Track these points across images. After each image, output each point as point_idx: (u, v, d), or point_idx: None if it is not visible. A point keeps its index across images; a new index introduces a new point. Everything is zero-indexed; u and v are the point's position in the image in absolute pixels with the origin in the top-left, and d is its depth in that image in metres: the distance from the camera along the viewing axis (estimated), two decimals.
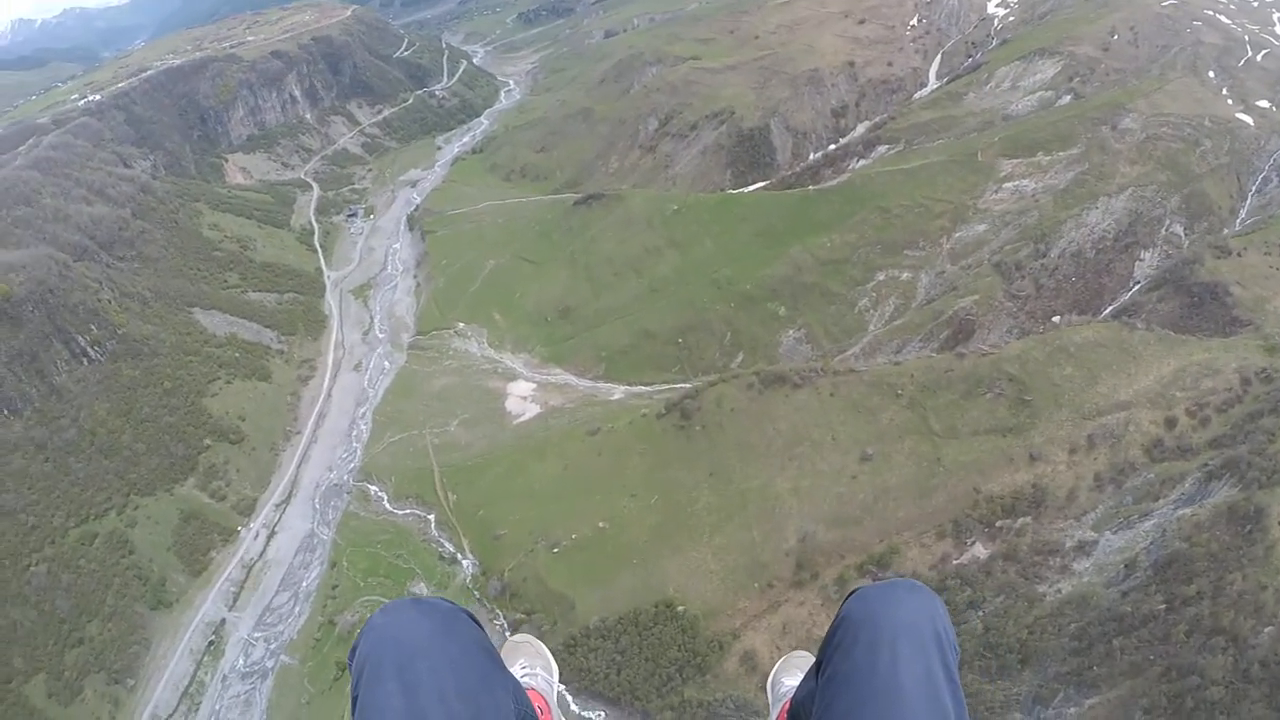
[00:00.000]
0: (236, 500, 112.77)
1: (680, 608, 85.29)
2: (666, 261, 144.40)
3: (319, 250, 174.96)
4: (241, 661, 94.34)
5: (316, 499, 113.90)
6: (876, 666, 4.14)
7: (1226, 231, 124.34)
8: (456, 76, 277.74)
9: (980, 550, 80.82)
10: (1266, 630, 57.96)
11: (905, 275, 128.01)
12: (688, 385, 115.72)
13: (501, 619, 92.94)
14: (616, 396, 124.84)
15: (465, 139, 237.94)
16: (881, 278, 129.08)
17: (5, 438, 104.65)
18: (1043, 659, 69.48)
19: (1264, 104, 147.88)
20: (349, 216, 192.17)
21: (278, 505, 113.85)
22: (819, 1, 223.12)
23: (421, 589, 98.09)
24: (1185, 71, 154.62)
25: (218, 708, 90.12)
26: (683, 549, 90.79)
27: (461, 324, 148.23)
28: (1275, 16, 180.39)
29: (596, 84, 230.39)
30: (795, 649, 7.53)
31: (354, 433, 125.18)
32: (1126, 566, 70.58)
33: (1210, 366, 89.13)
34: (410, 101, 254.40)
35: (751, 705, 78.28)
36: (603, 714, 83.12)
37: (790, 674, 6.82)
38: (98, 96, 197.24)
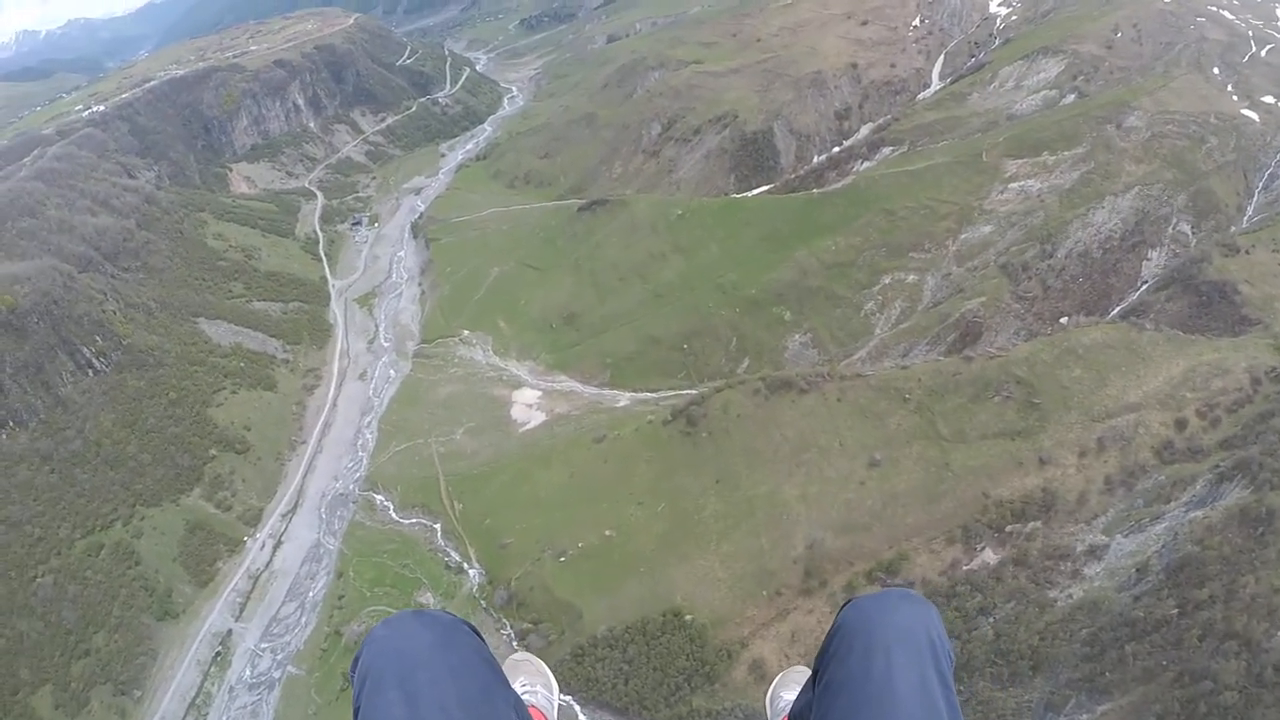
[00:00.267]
0: (242, 510, 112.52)
1: (688, 616, 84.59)
2: (671, 267, 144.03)
3: (324, 259, 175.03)
4: (248, 672, 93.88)
5: (322, 509, 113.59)
6: (871, 674, 4.22)
7: (1234, 229, 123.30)
8: (459, 83, 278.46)
9: (990, 556, 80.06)
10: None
11: (911, 278, 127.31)
12: (694, 391, 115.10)
13: (508, 628, 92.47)
14: (622, 403, 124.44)
15: (469, 146, 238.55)
16: (887, 281, 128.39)
17: (11, 450, 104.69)
18: (1055, 665, 68.67)
19: (1269, 100, 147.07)
20: (353, 225, 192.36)
21: (284, 515, 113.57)
22: (821, 3, 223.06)
23: (428, 598, 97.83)
24: (1189, 68, 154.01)
25: (225, 719, 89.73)
26: (690, 557, 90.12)
27: (466, 331, 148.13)
28: (1279, 11, 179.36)
29: (599, 89, 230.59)
30: (797, 665, 7.56)
31: (359, 442, 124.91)
32: (1138, 570, 69.78)
33: (1220, 366, 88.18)
34: (413, 109, 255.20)
35: (760, 715, 76.73)
36: None
37: (788, 689, 6.88)
38: (102, 107, 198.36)
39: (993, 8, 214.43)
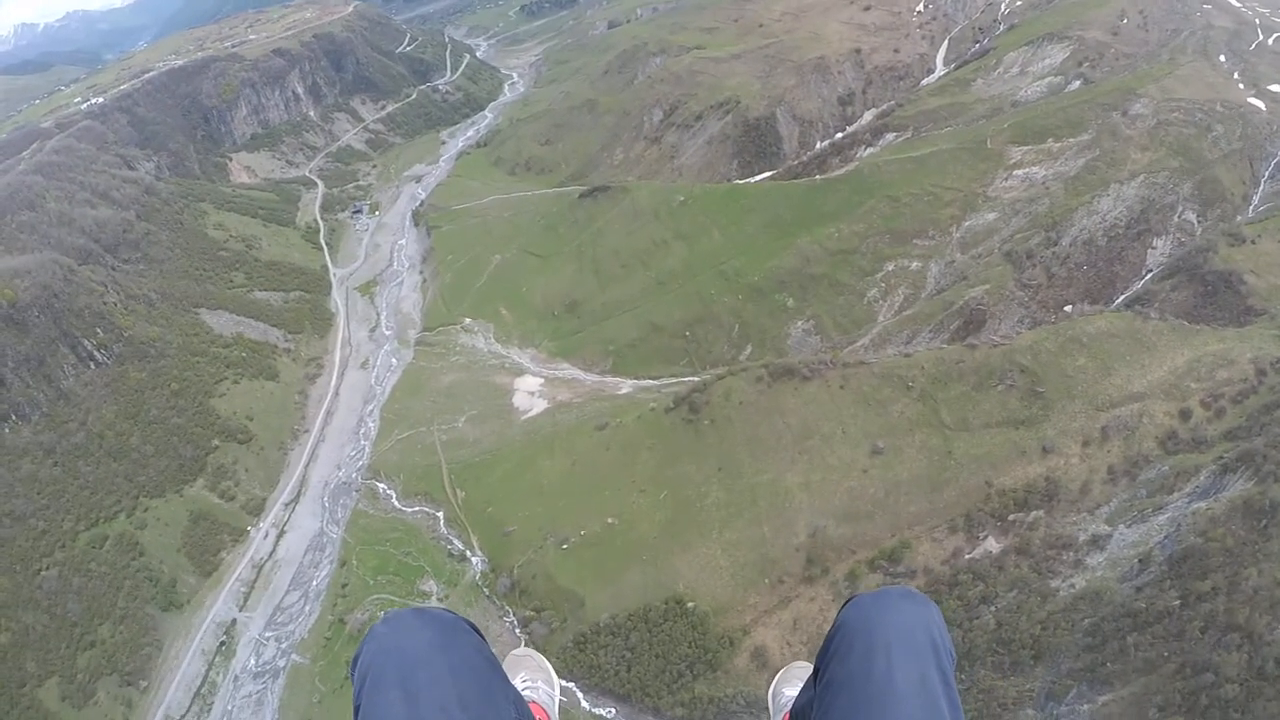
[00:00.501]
0: (246, 500, 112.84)
1: (690, 604, 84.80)
2: (673, 254, 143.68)
3: (324, 248, 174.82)
4: (253, 661, 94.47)
5: (325, 497, 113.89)
6: (872, 672, 4.24)
7: (1240, 219, 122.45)
8: (460, 70, 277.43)
9: (993, 544, 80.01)
10: None
11: (915, 265, 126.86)
12: (696, 379, 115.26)
13: (511, 616, 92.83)
14: (624, 391, 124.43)
15: (469, 133, 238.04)
16: (891, 268, 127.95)
17: (14, 443, 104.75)
18: (1056, 655, 68.71)
19: (1276, 88, 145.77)
20: (354, 213, 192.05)
21: (287, 504, 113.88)
22: None
23: (431, 587, 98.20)
24: (1196, 56, 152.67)
25: (230, 708, 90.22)
26: (692, 545, 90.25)
27: (468, 319, 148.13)
28: None
29: (600, 75, 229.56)
30: (799, 661, 7.55)
31: (362, 430, 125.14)
32: (1140, 561, 69.65)
33: (1225, 357, 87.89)
34: (414, 97, 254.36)
35: (762, 702, 76.41)
36: (613, 711, 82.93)
37: (790, 684, 6.91)
38: (101, 99, 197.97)
39: None
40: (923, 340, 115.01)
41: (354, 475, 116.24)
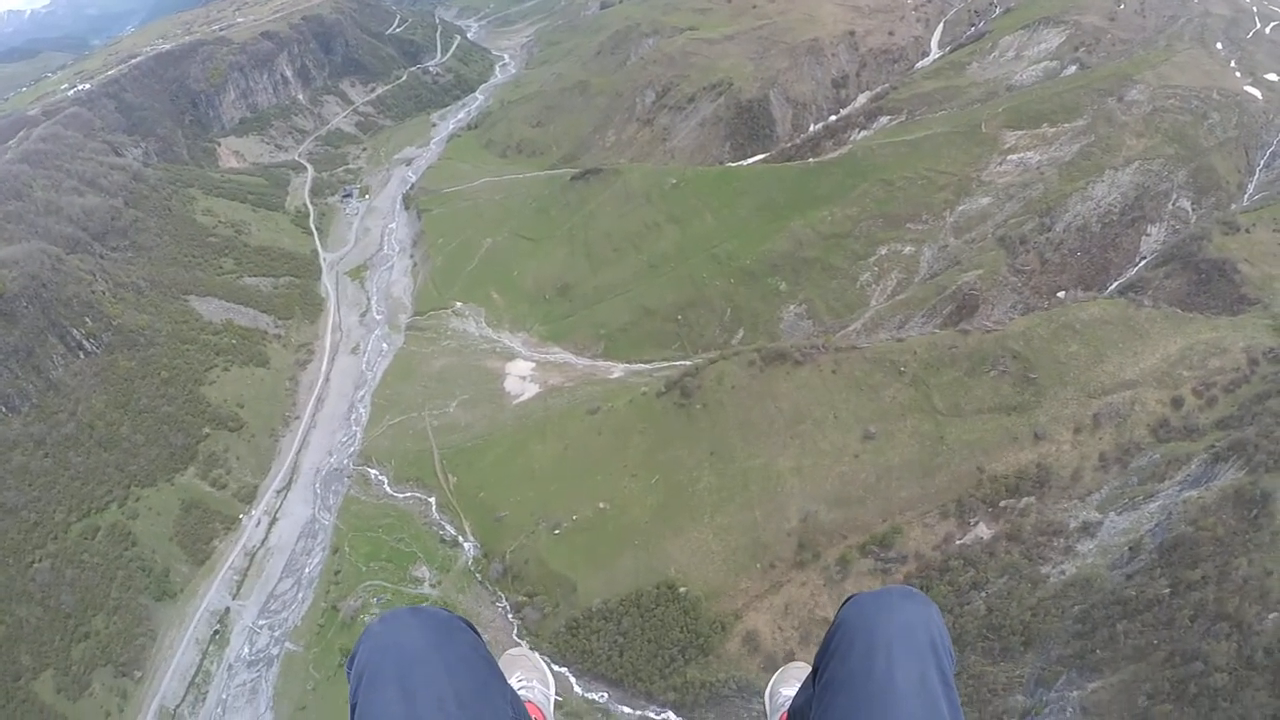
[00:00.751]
0: (237, 488, 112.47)
1: (682, 589, 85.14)
2: (666, 237, 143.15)
3: (314, 232, 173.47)
4: (247, 650, 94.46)
5: (317, 484, 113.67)
6: (872, 672, 4.24)
7: (1234, 207, 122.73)
8: (450, 52, 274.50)
9: (984, 530, 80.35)
10: (1271, 616, 57.32)
11: (908, 249, 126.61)
12: (688, 363, 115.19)
13: (504, 601, 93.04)
14: (616, 375, 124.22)
15: (460, 115, 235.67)
16: (884, 252, 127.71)
17: (4, 435, 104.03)
18: (1046, 641, 69.13)
19: (1273, 77, 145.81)
20: (344, 197, 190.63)
21: (279, 491, 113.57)
22: None
23: (423, 573, 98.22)
24: (1193, 43, 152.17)
25: (224, 696, 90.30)
26: (684, 529, 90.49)
27: (459, 303, 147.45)
28: None
29: (593, 56, 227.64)
30: (797, 660, 7.54)
31: (353, 416, 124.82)
32: (1131, 549, 70.00)
33: (1217, 345, 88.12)
34: (404, 79, 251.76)
35: (754, 686, 78.33)
36: (606, 695, 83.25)
37: (788, 684, 6.87)
38: (88, 85, 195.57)
39: None
40: (915, 325, 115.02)
41: (345, 461, 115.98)
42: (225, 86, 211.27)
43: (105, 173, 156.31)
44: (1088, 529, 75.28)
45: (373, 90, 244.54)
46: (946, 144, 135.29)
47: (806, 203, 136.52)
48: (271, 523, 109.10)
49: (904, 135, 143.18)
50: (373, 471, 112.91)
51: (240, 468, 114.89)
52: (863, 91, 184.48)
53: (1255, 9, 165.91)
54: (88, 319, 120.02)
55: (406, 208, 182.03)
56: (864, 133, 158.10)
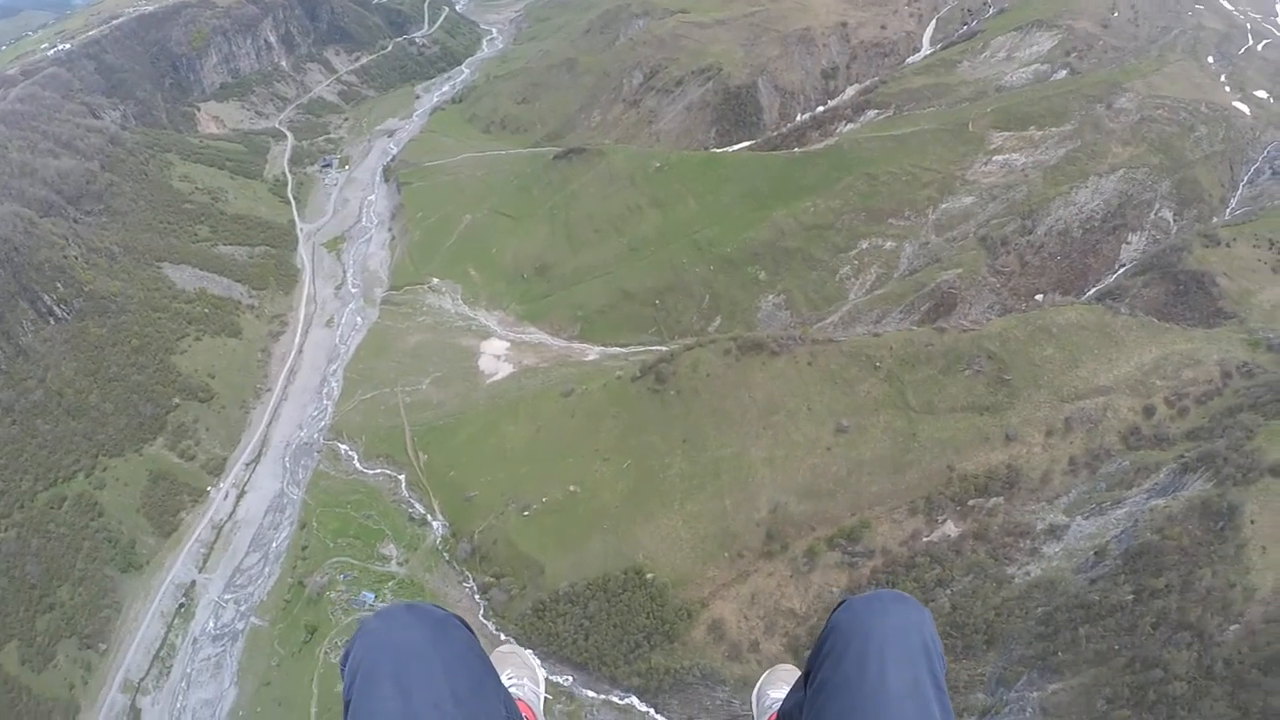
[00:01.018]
0: (206, 460, 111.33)
1: (649, 575, 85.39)
2: (647, 220, 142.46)
3: (292, 202, 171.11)
4: (212, 624, 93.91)
5: (287, 458, 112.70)
6: (865, 676, 4.25)
7: (1216, 220, 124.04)
8: (438, 23, 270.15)
9: (951, 528, 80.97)
10: (1233, 628, 58.14)
11: (889, 244, 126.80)
12: (664, 348, 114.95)
13: (471, 582, 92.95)
14: (591, 357, 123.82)
15: (445, 88, 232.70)
16: (865, 246, 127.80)
17: None
18: (1008, 641, 69.93)
19: (1262, 94, 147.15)
20: (323, 167, 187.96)
21: (247, 464, 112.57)
22: None
23: (391, 550, 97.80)
24: (1185, 55, 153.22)
25: (189, 670, 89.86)
26: (654, 516, 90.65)
27: (436, 279, 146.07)
28: (1278, 6, 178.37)
29: (581, 34, 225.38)
30: (784, 663, 7.56)
31: (325, 390, 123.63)
32: (1096, 554, 70.82)
33: (1192, 357, 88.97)
34: (389, 49, 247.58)
35: (718, 674, 78.79)
36: (570, 678, 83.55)
37: (776, 687, 6.92)
38: (68, 45, 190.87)
39: None
40: (893, 320, 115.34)
41: (316, 436, 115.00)
42: (207, 50, 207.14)
43: (82, 135, 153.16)
44: (1054, 532, 76.09)
45: (357, 59, 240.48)
46: (933, 141, 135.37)
47: (790, 193, 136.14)
48: (239, 496, 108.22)
49: (891, 130, 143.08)
50: (343, 447, 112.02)
51: (209, 439, 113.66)
52: (852, 84, 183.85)
53: (1249, 26, 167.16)
54: (59, 284, 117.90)
55: (386, 180, 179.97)
56: (851, 125, 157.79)
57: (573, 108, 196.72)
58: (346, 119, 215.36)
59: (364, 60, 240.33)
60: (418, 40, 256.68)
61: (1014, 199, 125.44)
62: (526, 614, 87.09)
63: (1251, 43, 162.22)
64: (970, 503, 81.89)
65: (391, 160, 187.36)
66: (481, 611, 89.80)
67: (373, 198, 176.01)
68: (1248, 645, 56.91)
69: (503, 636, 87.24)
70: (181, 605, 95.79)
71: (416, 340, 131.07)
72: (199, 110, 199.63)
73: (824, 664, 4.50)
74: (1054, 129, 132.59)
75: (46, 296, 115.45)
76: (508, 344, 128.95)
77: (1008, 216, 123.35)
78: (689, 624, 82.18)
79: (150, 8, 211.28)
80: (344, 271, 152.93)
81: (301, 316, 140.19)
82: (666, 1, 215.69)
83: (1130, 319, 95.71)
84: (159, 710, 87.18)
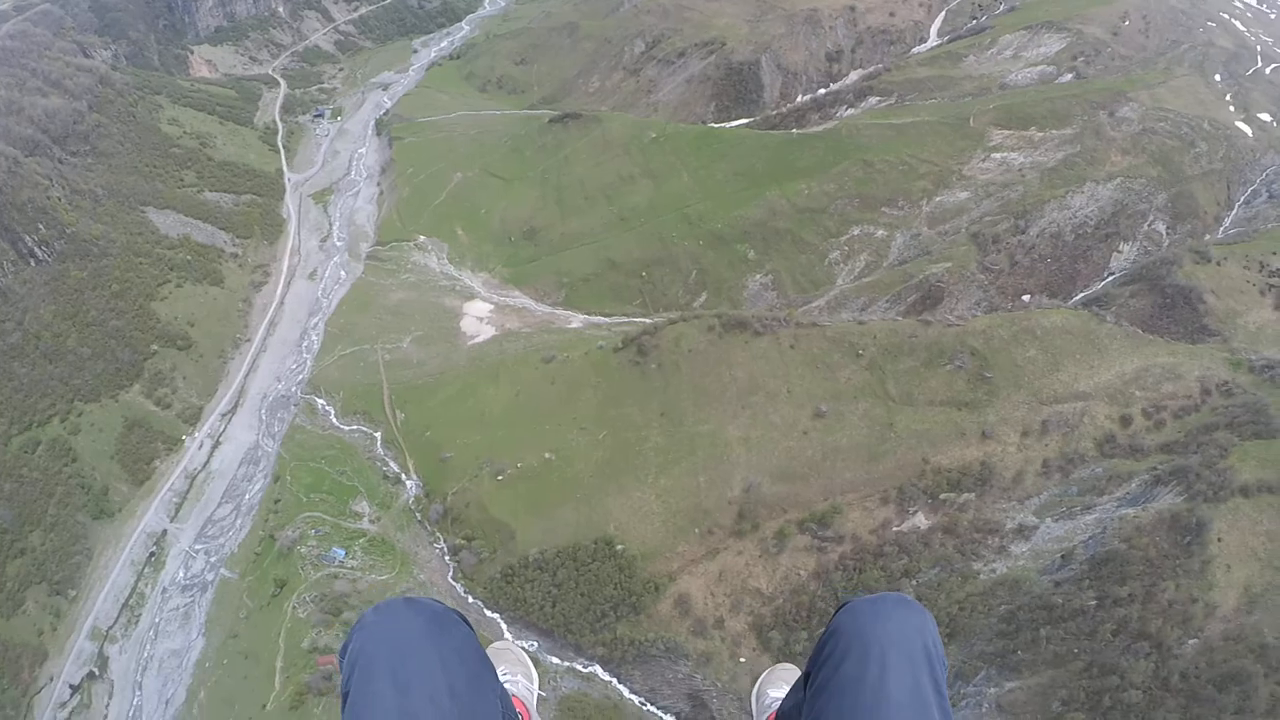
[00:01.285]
0: (182, 408, 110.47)
1: (620, 546, 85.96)
2: (639, 191, 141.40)
3: (281, 151, 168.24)
4: (182, 574, 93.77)
5: (263, 410, 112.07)
6: (866, 678, 4.25)
7: (1209, 238, 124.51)
8: None
9: (921, 520, 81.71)
10: (1191, 642, 59.17)
11: (880, 233, 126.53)
12: (647, 320, 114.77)
13: (442, 543, 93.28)
14: (574, 325, 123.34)
15: (443, 44, 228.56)
16: (856, 232, 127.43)
17: None
18: (969, 636, 70.91)
19: (1265, 117, 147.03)
20: (315, 117, 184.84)
21: (224, 415, 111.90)
22: None
23: (364, 508, 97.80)
24: (1192, 70, 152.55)
25: (157, 620, 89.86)
26: (627, 488, 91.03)
27: (423, 237, 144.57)
28: None
29: None
30: (784, 663, 7.59)
31: (305, 343, 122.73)
32: (1063, 557, 71.71)
33: (1173, 371, 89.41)
34: (389, 0, 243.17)
35: (681, 648, 79.65)
36: (536, 644, 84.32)
37: (775, 686, 7.04)
38: None
39: None
40: (878, 309, 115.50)
41: (293, 389, 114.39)
42: None
43: (71, 74, 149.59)
44: (1023, 532, 76.97)
45: (356, 9, 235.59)
46: (932, 133, 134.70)
47: (785, 174, 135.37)
48: (214, 446, 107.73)
49: (891, 118, 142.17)
50: (320, 401, 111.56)
51: (186, 388, 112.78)
52: (856, 69, 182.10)
53: (1259, 48, 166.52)
54: (41, 225, 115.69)
55: (378, 134, 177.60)
56: (851, 110, 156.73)
57: (571, 72, 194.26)
58: (342, 69, 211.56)
59: (363, 10, 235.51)
60: None
61: (1009, 198, 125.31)
62: (495, 578, 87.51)
63: (1260, 65, 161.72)
64: (942, 496, 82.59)
65: (384, 114, 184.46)
66: (451, 573, 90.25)
67: (363, 151, 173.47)
68: (1205, 660, 58.04)
69: (470, 600, 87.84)
70: (152, 554, 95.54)
71: (399, 298, 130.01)
72: (192, 53, 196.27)
73: (825, 665, 4.52)
74: (1055, 131, 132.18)
75: (28, 237, 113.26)
76: (491, 306, 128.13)
77: (1001, 215, 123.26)
78: (656, 597, 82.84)
79: None
80: (330, 224, 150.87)
81: (285, 268, 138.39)
82: None
83: (1115, 327, 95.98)
84: (126, 659, 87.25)
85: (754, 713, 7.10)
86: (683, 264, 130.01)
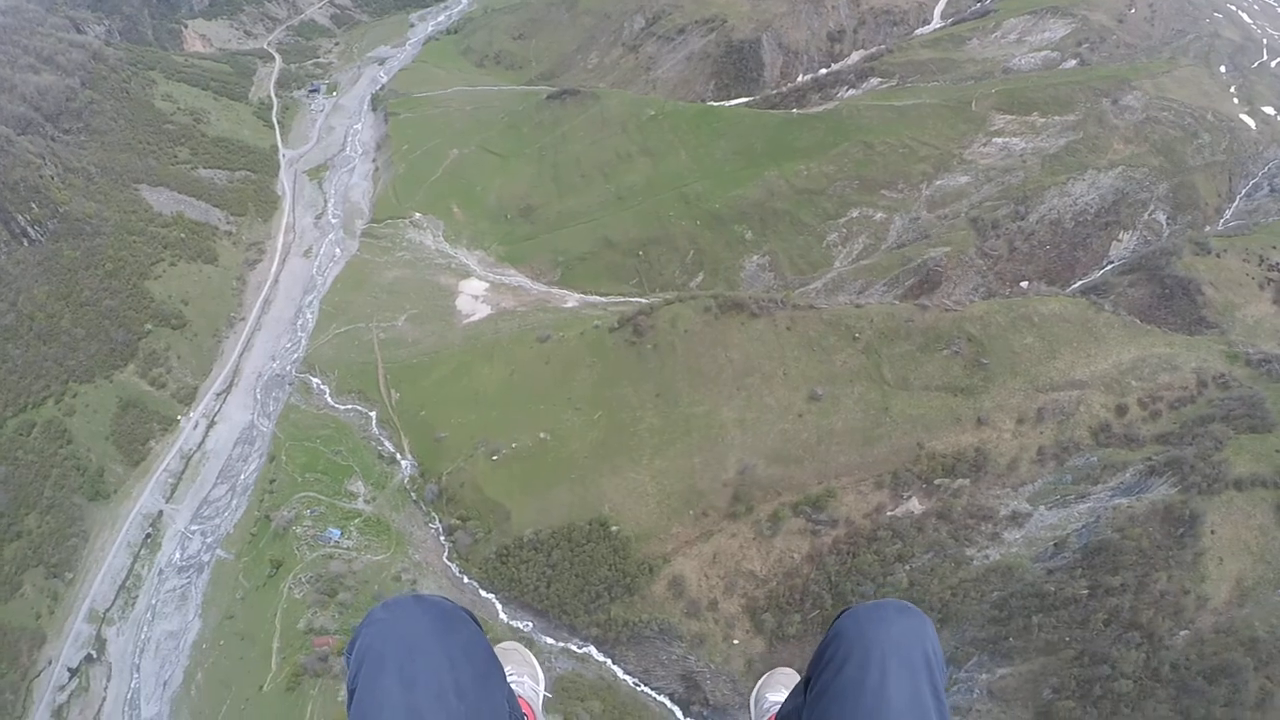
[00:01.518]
0: (176, 388, 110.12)
1: (614, 527, 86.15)
2: (637, 169, 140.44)
3: (276, 126, 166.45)
4: (178, 555, 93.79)
5: (258, 389, 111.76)
6: (865, 684, 4.25)
7: (1209, 229, 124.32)
8: None
9: (915, 505, 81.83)
10: (1182, 634, 59.50)
11: (879, 215, 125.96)
12: (644, 300, 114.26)
13: (437, 523, 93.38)
14: (570, 304, 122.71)
15: (441, 18, 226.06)
16: (855, 214, 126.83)
17: None
18: (962, 622, 71.23)
19: (1269, 110, 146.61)
20: (310, 92, 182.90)
21: (218, 394, 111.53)
22: None
23: (359, 487, 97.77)
24: (1197, 61, 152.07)
25: (154, 602, 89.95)
26: (621, 469, 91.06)
27: (418, 214, 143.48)
28: None
29: None
30: (783, 667, 7.56)
31: (300, 322, 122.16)
32: (1056, 545, 71.93)
33: (1170, 362, 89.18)
34: None
35: (675, 630, 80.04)
36: (530, 624, 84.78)
37: (774, 690, 7.02)
38: None
39: None
40: (876, 293, 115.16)
41: (288, 368, 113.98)
42: None
43: (64, 50, 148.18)
44: (1016, 519, 77.13)
45: None
46: (933, 116, 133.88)
47: (784, 154, 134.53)
48: (209, 426, 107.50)
49: (892, 100, 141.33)
50: (315, 380, 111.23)
51: (181, 367, 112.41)
52: (857, 49, 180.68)
53: (1265, 41, 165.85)
54: (34, 204, 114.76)
55: (374, 109, 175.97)
56: (852, 91, 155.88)
57: (569, 48, 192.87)
58: (337, 44, 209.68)
59: None
60: None
61: (1009, 183, 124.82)
62: (490, 559, 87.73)
63: (1266, 58, 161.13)
64: (936, 481, 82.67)
65: (380, 89, 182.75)
66: (446, 554, 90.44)
67: (359, 127, 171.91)
68: (1195, 652, 58.44)
69: (465, 580, 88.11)
70: (148, 535, 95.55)
71: (394, 276, 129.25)
72: (186, 28, 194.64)
73: (825, 670, 4.51)
74: (1057, 118, 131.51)
75: (20, 217, 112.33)
76: (487, 285, 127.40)
77: (1001, 200, 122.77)
78: (650, 579, 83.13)
79: None
80: (325, 201, 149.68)
81: (279, 245, 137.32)
82: None
83: (1113, 316, 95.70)
84: (124, 641, 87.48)
85: (753, 716, 7.09)
86: (680, 244, 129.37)
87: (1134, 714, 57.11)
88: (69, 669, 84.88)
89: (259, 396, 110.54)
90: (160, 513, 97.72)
